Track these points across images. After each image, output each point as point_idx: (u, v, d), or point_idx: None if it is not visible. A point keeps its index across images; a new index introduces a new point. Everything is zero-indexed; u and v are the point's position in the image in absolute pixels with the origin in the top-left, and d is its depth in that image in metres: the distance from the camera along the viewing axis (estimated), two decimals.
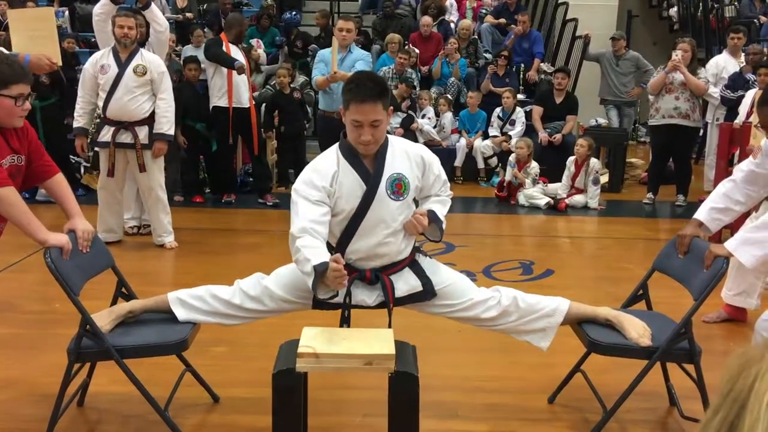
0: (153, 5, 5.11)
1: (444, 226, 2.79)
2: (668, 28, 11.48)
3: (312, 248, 2.42)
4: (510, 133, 8.32)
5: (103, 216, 5.46)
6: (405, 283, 2.74)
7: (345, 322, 2.66)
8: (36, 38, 3.93)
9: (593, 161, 7.24)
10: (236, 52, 6.64)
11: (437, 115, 8.63)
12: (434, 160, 2.77)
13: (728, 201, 2.95)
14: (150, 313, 2.80)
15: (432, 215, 2.72)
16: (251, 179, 7.61)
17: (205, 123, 7.01)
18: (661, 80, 6.96)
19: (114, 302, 2.89)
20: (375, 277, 2.67)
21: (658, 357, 2.70)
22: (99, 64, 5.21)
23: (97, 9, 5.42)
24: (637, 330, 2.70)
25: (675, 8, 11.39)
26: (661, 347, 2.67)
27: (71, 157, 7.33)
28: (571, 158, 7.28)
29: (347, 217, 2.62)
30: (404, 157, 2.68)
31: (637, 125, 11.15)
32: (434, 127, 8.53)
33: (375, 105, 2.55)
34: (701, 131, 8.07)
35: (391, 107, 2.78)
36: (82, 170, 7.35)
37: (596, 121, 9.21)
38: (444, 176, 2.82)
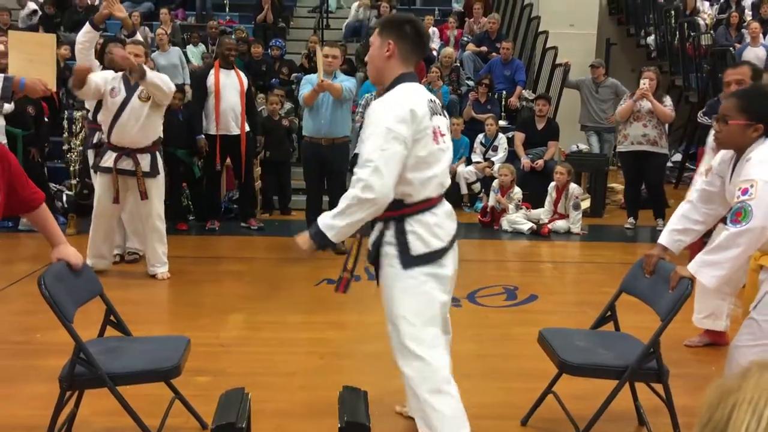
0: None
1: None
2: (646, 56, 11.68)
3: None
4: (493, 159, 8.41)
5: (95, 242, 5.40)
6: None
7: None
8: (34, 62, 3.91)
9: (573, 187, 7.33)
10: (228, 77, 6.67)
11: None
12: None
13: (687, 222, 3.05)
14: (138, 337, 2.79)
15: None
16: (235, 206, 7.61)
17: (187, 150, 7.02)
18: (629, 108, 7.13)
19: (103, 330, 2.87)
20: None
21: (628, 376, 2.75)
22: (110, 86, 5.14)
23: (80, 37, 5.38)
24: None
25: (652, 36, 11.62)
26: (630, 367, 2.72)
27: (52, 185, 7.31)
28: (552, 184, 7.37)
29: None
30: None
31: (617, 151, 11.28)
32: None
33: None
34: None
35: None
36: (64, 198, 7.30)
37: (577, 146, 9.33)
38: (365, 155, 2.46)
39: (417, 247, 2.55)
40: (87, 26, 5.36)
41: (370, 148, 2.44)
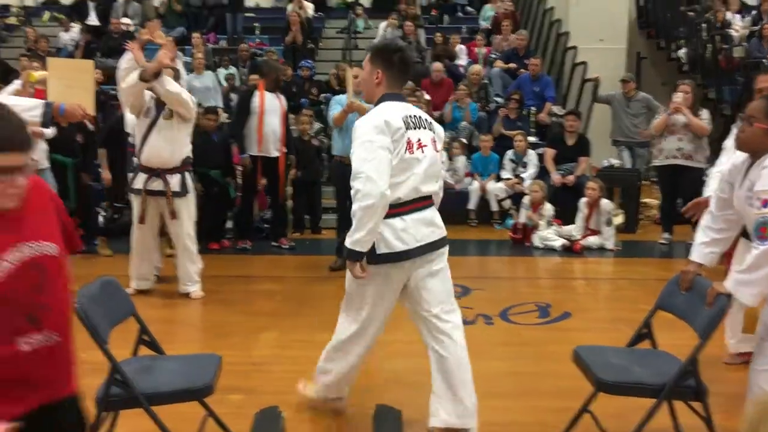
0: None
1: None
2: (677, 69, 11.56)
3: None
4: (523, 175, 8.36)
5: (135, 264, 5.48)
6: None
7: None
8: (73, 88, 3.98)
9: (604, 202, 7.26)
10: (272, 101, 6.75)
11: (450, 158, 8.70)
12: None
13: (711, 232, 3.02)
14: (171, 356, 2.81)
15: None
16: (266, 225, 7.67)
17: (221, 170, 7.11)
18: (664, 122, 7.06)
19: (136, 350, 2.91)
20: None
21: (666, 394, 2.69)
22: (146, 105, 5.20)
23: (123, 64, 5.30)
24: None
25: (683, 50, 11.49)
26: (667, 385, 2.67)
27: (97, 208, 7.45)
28: (584, 200, 7.30)
29: None
30: None
31: (650, 165, 11.15)
32: (447, 170, 8.60)
33: None
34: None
35: None
36: (100, 220, 7.42)
37: (609, 162, 9.24)
38: (355, 169, 2.84)
39: (381, 247, 2.89)
40: (134, 77, 5.05)
41: (357, 162, 2.80)
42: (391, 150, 2.80)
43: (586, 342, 3.36)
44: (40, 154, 6.59)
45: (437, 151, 3.05)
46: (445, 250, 3.11)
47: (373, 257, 2.89)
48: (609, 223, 7.19)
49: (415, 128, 2.92)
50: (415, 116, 2.97)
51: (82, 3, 12.50)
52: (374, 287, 2.98)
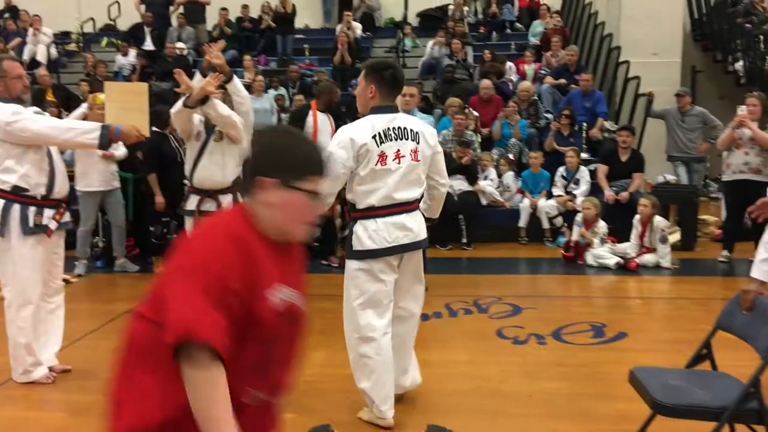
0: (235, 78, 5.22)
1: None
2: (734, 82, 11.26)
3: None
4: (575, 192, 8.23)
5: None
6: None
7: None
8: (128, 110, 4.11)
9: (657, 219, 7.08)
10: (324, 121, 6.80)
11: (499, 176, 8.63)
12: None
13: None
14: None
15: None
16: (315, 243, 7.71)
17: None
18: (729, 136, 6.87)
19: None
20: None
21: (728, 418, 2.59)
22: (196, 129, 5.30)
23: (174, 111, 5.17)
24: None
25: (740, 62, 11.20)
26: (729, 408, 2.57)
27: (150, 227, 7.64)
28: (638, 217, 7.14)
29: None
30: None
31: (707, 181, 10.87)
32: (496, 187, 8.53)
33: None
34: None
35: None
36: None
37: (664, 177, 9.03)
38: None
39: (356, 244, 3.29)
40: (179, 104, 4.98)
41: None
42: (347, 166, 3.20)
43: (643, 363, 3.27)
44: (111, 174, 6.86)
45: (418, 161, 3.33)
46: (418, 253, 3.42)
47: (349, 254, 3.33)
48: (664, 240, 7.01)
49: (396, 139, 3.25)
50: (399, 128, 3.28)
51: (138, 28, 12.91)
52: (354, 281, 3.35)
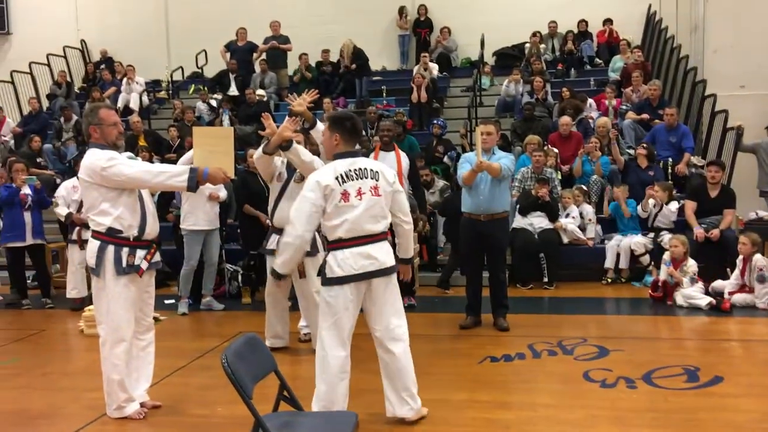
0: (318, 123, 5.36)
1: None
2: None
3: None
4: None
5: (270, 322, 5.65)
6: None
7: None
8: (215, 153, 4.27)
9: (757, 257, 6.75)
10: (384, 157, 6.84)
11: (582, 216, 8.44)
12: None
13: None
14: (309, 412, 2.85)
15: None
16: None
17: None
18: None
19: (276, 406, 2.97)
20: None
21: None
22: (278, 171, 5.49)
23: (255, 155, 5.49)
24: None
25: None
26: None
27: (228, 266, 7.86)
28: (741, 256, 6.86)
29: None
30: None
31: None
32: (572, 221, 8.35)
33: None
34: None
35: None
36: (240, 279, 7.80)
37: (756, 214, 8.63)
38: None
39: (328, 272, 3.72)
40: (259, 150, 5.34)
41: (292, 210, 3.78)
42: (317, 204, 3.68)
43: (742, 409, 3.09)
44: (214, 214, 7.13)
45: (379, 196, 3.79)
46: (385, 279, 3.81)
47: (323, 281, 3.74)
48: (762, 279, 6.66)
49: (357, 179, 3.73)
50: (359, 169, 3.77)
51: (223, 75, 13.47)
52: (326, 304, 3.75)
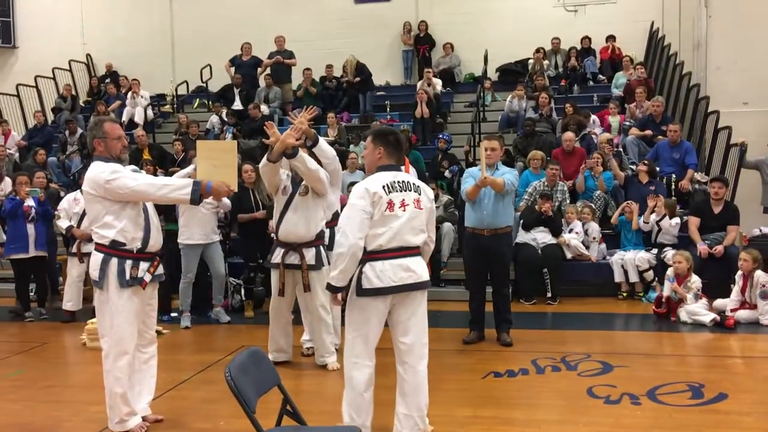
0: (321, 141, 5.38)
1: None
2: None
3: None
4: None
5: (274, 336, 5.62)
6: None
7: None
8: (218, 167, 4.29)
9: (758, 274, 6.73)
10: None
11: (586, 232, 8.43)
12: None
13: None
14: (312, 427, 2.83)
15: None
16: None
17: None
18: None
19: (279, 420, 2.96)
20: None
21: None
22: (283, 184, 5.49)
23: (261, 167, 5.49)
24: None
25: None
26: None
27: (232, 279, 7.85)
28: (740, 272, 6.82)
29: None
30: None
31: None
32: (576, 237, 8.34)
33: None
34: None
35: None
36: (242, 291, 7.79)
37: (760, 230, 8.61)
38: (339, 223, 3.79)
39: (365, 283, 3.68)
40: (264, 159, 5.31)
41: (342, 218, 3.72)
42: (367, 211, 3.66)
43: (746, 427, 3.07)
44: (211, 228, 7.13)
45: (421, 209, 3.83)
46: (421, 293, 3.83)
47: (359, 291, 3.69)
48: (764, 296, 6.63)
49: (400, 191, 3.77)
50: (403, 181, 3.82)
51: (228, 90, 13.53)
52: (359, 314, 3.74)
